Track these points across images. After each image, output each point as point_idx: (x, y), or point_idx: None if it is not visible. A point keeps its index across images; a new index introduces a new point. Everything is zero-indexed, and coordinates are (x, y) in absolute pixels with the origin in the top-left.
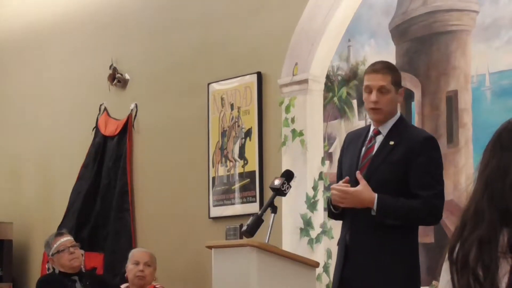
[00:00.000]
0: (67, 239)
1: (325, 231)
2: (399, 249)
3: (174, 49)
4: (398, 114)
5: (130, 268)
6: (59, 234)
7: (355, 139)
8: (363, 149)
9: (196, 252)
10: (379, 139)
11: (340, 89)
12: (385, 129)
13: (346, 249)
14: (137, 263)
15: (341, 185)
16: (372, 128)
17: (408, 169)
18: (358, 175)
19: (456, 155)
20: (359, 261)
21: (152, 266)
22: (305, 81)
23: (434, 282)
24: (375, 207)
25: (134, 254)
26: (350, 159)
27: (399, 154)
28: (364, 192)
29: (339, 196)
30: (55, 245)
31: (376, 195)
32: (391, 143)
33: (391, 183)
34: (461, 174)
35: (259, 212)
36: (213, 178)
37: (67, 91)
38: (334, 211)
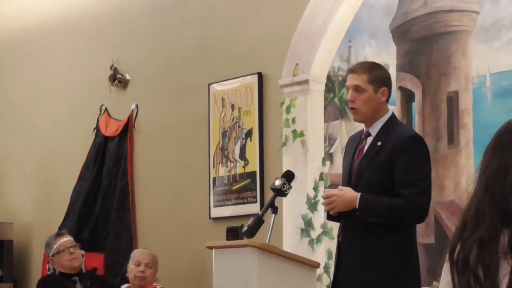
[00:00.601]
0: (67, 239)
1: (325, 232)
2: (386, 250)
3: (175, 49)
4: (389, 114)
5: (131, 269)
6: (59, 234)
7: (353, 142)
8: (356, 151)
9: (197, 252)
10: (369, 140)
11: (341, 90)
12: (374, 130)
13: (339, 250)
14: (138, 264)
15: (329, 192)
16: (364, 130)
17: (393, 168)
18: (339, 187)
19: (457, 155)
20: (349, 263)
21: (153, 268)
22: (306, 81)
23: (434, 283)
24: (357, 205)
25: (136, 254)
26: (346, 161)
27: (385, 154)
28: (348, 192)
29: (327, 202)
30: (55, 246)
31: (359, 194)
32: (379, 143)
33: (378, 183)
34: (462, 175)
35: (260, 213)
36: (214, 179)
37: (68, 91)
38: (331, 213)
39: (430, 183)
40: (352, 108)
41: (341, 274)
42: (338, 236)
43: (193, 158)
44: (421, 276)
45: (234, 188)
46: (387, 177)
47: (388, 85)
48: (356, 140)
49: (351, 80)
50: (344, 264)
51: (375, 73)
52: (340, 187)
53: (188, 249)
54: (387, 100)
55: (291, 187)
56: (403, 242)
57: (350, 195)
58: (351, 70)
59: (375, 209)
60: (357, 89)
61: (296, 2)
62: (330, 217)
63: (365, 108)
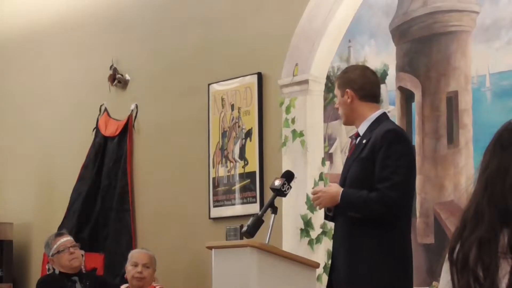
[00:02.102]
0: (67, 239)
1: (325, 232)
2: (374, 248)
3: (175, 49)
4: (377, 113)
5: (129, 270)
6: (59, 234)
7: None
8: (348, 151)
9: (197, 252)
10: (358, 140)
11: None
12: (362, 130)
13: (333, 252)
14: (135, 265)
15: (315, 189)
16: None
17: (374, 164)
18: (329, 184)
19: (457, 155)
20: (338, 264)
21: (151, 268)
22: (306, 81)
23: (434, 283)
24: (339, 200)
25: (133, 255)
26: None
27: (366, 150)
28: (332, 188)
29: (314, 198)
30: (55, 246)
31: (341, 189)
32: (364, 141)
33: (361, 179)
34: (461, 175)
35: (260, 213)
36: (214, 179)
37: (68, 91)
38: (327, 213)
39: (405, 176)
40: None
41: (334, 274)
42: (332, 237)
43: (192, 158)
44: (421, 276)
45: (233, 188)
46: (368, 173)
47: (353, 85)
48: (350, 141)
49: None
50: (335, 265)
51: (342, 77)
52: (330, 183)
53: (188, 249)
54: (365, 99)
55: (290, 187)
56: (390, 240)
57: (334, 190)
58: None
59: (354, 203)
60: (336, 96)
61: (295, 2)
62: (327, 217)
63: (341, 112)
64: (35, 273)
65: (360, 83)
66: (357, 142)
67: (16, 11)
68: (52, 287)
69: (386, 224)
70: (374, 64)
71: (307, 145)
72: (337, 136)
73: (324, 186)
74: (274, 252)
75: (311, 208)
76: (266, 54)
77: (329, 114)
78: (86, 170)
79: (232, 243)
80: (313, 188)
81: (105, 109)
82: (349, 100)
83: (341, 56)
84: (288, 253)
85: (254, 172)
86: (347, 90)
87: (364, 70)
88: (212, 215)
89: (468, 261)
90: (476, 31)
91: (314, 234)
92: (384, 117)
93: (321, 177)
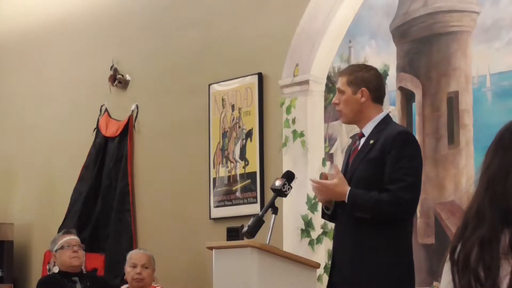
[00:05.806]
0: (73, 237)
1: (325, 232)
2: (377, 248)
3: (175, 50)
4: (382, 114)
5: (128, 271)
6: (67, 232)
7: (351, 143)
8: (351, 151)
9: (197, 253)
10: (363, 140)
11: None
12: (367, 131)
13: (334, 252)
14: (134, 266)
15: (319, 180)
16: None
17: (384, 165)
18: (335, 168)
19: (457, 156)
20: (341, 262)
21: (150, 268)
22: (306, 82)
23: (435, 283)
24: (346, 200)
25: (132, 256)
26: (344, 162)
27: (375, 151)
28: (338, 185)
29: (316, 188)
30: (60, 241)
31: (348, 188)
32: (371, 142)
33: (369, 180)
34: (462, 175)
35: (260, 213)
36: (214, 179)
37: (68, 92)
38: (326, 211)
39: (418, 178)
40: (338, 111)
41: (335, 274)
42: (333, 237)
43: (193, 159)
44: (422, 277)
45: (234, 188)
46: (376, 174)
47: (369, 85)
48: (353, 142)
49: (337, 83)
50: (337, 265)
51: (355, 75)
52: (337, 176)
53: (188, 250)
54: (376, 100)
55: (291, 188)
56: (394, 240)
57: (339, 189)
58: (338, 73)
59: (363, 203)
60: (339, 91)
61: (296, 2)
62: (324, 215)
63: (346, 110)
64: (36, 273)
65: (376, 84)
66: (362, 142)
67: (16, 11)
68: (53, 287)
69: (392, 224)
70: (375, 64)
71: (307, 145)
72: (337, 137)
73: None
74: (274, 253)
75: (312, 208)
76: (267, 54)
77: (330, 114)
78: (87, 171)
79: (232, 244)
80: (316, 180)
81: (106, 110)
82: (363, 99)
83: (342, 57)
84: (288, 254)
85: (255, 173)
86: (363, 88)
87: (377, 71)
88: (213, 216)
89: (469, 261)
90: (477, 32)
91: (314, 234)
92: (389, 118)
93: (321, 178)
